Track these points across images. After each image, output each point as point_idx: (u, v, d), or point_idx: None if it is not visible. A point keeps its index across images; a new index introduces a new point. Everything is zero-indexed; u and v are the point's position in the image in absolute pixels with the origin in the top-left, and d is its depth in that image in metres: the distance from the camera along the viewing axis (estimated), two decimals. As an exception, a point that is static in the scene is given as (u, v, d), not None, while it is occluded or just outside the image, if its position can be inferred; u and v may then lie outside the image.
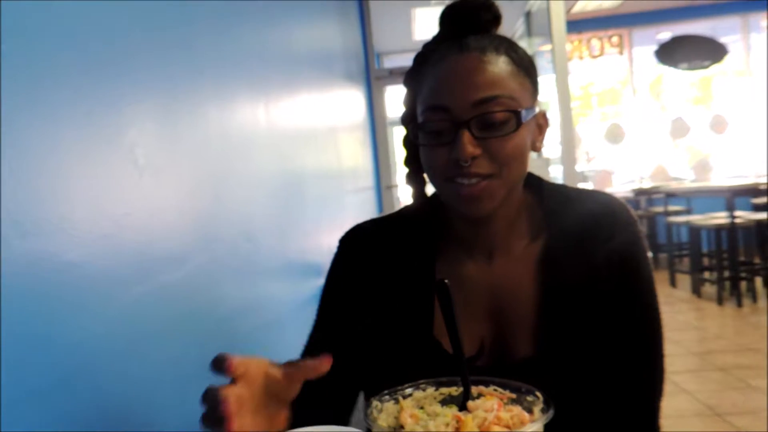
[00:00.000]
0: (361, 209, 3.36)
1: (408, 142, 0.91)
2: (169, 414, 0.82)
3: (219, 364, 0.57)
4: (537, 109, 0.83)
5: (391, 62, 6.95)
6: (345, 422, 0.91)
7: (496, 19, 0.84)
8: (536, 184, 0.92)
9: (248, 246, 1.24)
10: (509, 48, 0.81)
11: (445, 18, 0.85)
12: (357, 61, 4.31)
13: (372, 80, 4.86)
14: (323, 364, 0.59)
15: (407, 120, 0.88)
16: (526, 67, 0.82)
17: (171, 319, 0.83)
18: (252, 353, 1.15)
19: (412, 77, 0.86)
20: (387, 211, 4.98)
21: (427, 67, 0.82)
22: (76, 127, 0.63)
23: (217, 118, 1.09)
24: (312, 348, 0.92)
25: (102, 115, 0.68)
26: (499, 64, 0.78)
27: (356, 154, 3.45)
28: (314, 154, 2.08)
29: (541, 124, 0.86)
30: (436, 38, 0.86)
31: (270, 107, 1.48)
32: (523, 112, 0.77)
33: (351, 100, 3.50)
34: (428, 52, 0.84)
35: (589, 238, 0.85)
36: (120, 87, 0.73)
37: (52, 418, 0.57)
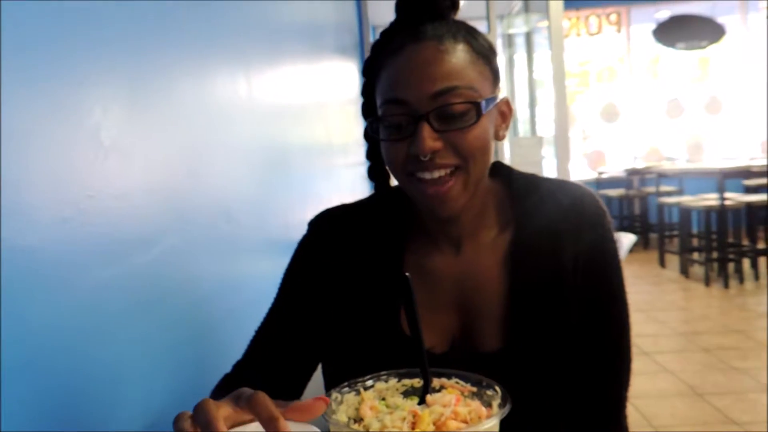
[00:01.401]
0: (350, 184, 3.34)
1: (369, 134, 0.88)
2: (136, 398, 0.81)
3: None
4: (498, 97, 0.81)
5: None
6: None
7: (453, 4, 0.81)
8: (505, 173, 0.90)
9: (227, 225, 1.23)
10: (467, 35, 0.79)
11: (401, 4, 0.82)
12: (351, 34, 4.24)
13: (366, 54, 4.81)
14: (319, 407, 0.56)
15: (366, 112, 0.86)
16: (485, 55, 0.80)
17: (140, 302, 0.83)
18: (228, 334, 1.15)
19: (369, 67, 0.84)
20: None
21: (383, 58, 0.80)
22: (34, 108, 0.62)
23: (192, 94, 1.06)
24: (269, 330, 0.91)
25: (64, 96, 0.66)
26: (457, 53, 0.76)
27: (348, 129, 3.42)
28: (301, 128, 2.06)
29: (504, 111, 0.84)
30: (393, 25, 0.82)
31: (252, 81, 1.45)
32: (484, 103, 0.76)
33: (343, 73, 3.45)
34: (385, 41, 0.81)
35: (558, 229, 0.84)
36: (83, 64, 0.70)
37: (10, 404, 0.57)
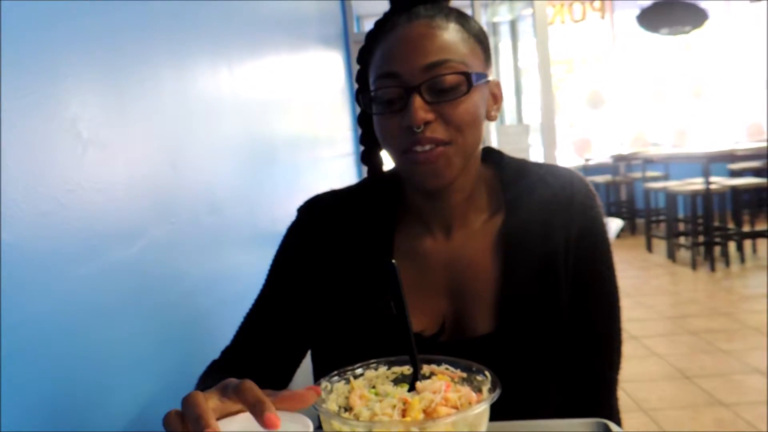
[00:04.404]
0: (338, 176, 3.33)
1: (363, 119, 0.89)
2: (119, 392, 0.80)
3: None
4: (490, 78, 0.82)
5: (371, 25, 6.82)
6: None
7: None
8: (496, 158, 0.91)
9: (212, 218, 1.22)
10: (459, 16, 0.81)
11: None
12: (335, 25, 4.21)
13: (351, 44, 4.76)
14: (310, 396, 0.56)
15: (360, 94, 0.86)
16: (476, 35, 0.81)
17: (123, 296, 0.82)
18: (216, 327, 1.14)
19: (364, 53, 0.85)
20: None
21: (377, 41, 0.81)
22: (11, 100, 0.60)
23: (173, 85, 1.05)
24: (257, 316, 0.90)
25: (40, 89, 0.65)
26: (449, 30, 0.78)
27: (334, 120, 3.40)
28: (286, 120, 2.04)
29: (495, 93, 0.85)
30: (387, 13, 0.84)
31: (234, 72, 1.44)
32: (474, 75, 0.77)
33: (328, 64, 3.43)
34: (379, 27, 0.83)
35: (548, 214, 0.85)
36: (59, 56, 0.69)
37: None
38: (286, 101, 2.06)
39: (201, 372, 0.88)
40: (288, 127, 2.07)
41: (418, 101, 0.74)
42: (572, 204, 0.85)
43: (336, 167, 3.29)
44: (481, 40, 0.82)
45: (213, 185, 1.24)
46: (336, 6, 4.43)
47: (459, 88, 0.76)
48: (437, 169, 0.77)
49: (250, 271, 1.40)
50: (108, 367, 0.78)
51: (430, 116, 0.75)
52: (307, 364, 0.94)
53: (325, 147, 2.97)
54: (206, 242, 1.18)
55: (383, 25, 0.82)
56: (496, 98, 0.85)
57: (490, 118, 0.83)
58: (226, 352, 0.90)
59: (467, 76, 0.76)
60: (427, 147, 0.76)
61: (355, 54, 4.06)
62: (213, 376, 0.84)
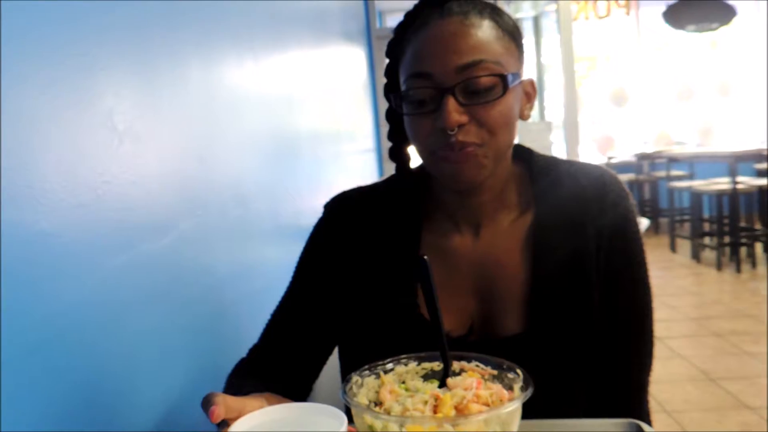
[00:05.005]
0: (360, 171, 3.33)
1: (391, 115, 0.88)
2: (149, 383, 0.81)
3: (205, 408, 0.55)
4: (524, 77, 0.80)
5: (394, 21, 6.81)
6: (306, 393, 0.90)
7: None
8: (526, 156, 0.89)
9: (239, 211, 1.23)
10: (493, 12, 0.78)
11: None
12: (357, 20, 4.21)
13: (373, 40, 4.76)
14: None
15: (390, 91, 0.84)
16: (511, 32, 0.79)
17: (154, 287, 0.83)
18: (241, 321, 1.15)
19: (393, 47, 0.83)
20: (387, 174, 4.94)
21: (408, 35, 0.79)
22: (50, 93, 0.61)
23: (200, 79, 1.05)
24: (284, 314, 0.90)
25: (78, 82, 0.66)
26: (483, 28, 0.75)
27: (356, 116, 3.40)
28: (309, 115, 2.05)
29: (528, 92, 0.83)
30: (417, 6, 0.81)
31: (259, 67, 1.44)
32: (510, 77, 0.75)
33: (350, 60, 3.43)
34: (409, 21, 0.81)
35: (579, 212, 0.83)
36: (96, 51, 0.70)
37: (26, 384, 0.56)
38: (309, 96, 2.07)
39: (227, 366, 0.88)
40: (311, 121, 2.07)
41: (452, 103, 0.72)
42: (604, 202, 0.83)
43: (357, 162, 3.30)
44: (515, 37, 0.79)
45: (239, 179, 1.25)
46: (359, 2, 4.43)
47: (494, 89, 0.74)
48: (468, 170, 0.75)
49: (273, 264, 1.41)
50: (137, 359, 0.79)
51: (464, 119, 0.73)
52: (334, 360, 0.94)
53: (347, 142, 2.98)
54: (232, 236, 1.19)
55: (414, 18, 0.80)
56: (529, 97, 0.83)
57: (523, 117, 0.81)
58: (254, 351, 0.91)
59: (503, 78, 0.74)
60: (459, 149, 0.74)
61: (377, 50, 4.06)
62: (241, 377, 0.85)
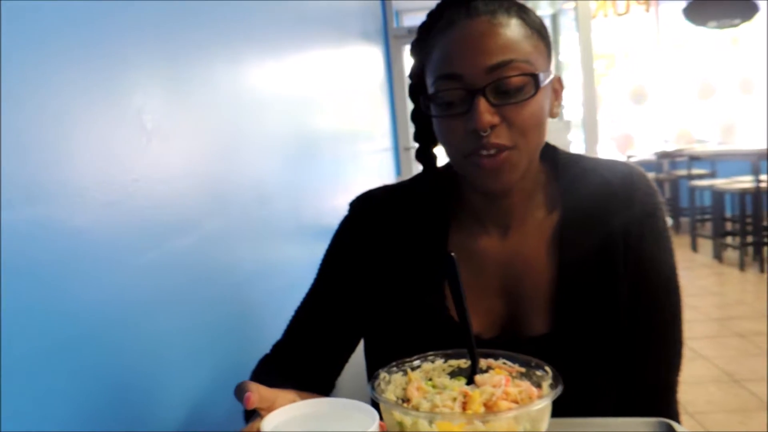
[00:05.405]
0: (378, 171, 3.34)
1: (417, 115, 0.87)
2: (174, 381, 0.82)
3: (239, 395, 0.56)
4: (552, 74, 0.79)
5: (410, 20, 6.80)
6: (329, 389, 0.91)
7: None
8: (551, 154, 0.88)
9: (262, 210, 1.24)
10: (520, 10, 0.77)
11: None
12: (374, 20, 4.22)
13: (390, 39, 4.76)
14: None
15: (416, 92, 0.83)
16: (538, 29, 0.78)
17: (182, 285, 0.83)
18: (264, 320, 1.16)
19: (418, 47, 0.82)
20: (405, 173, 4.94)
21: (434, 35, 0.78)
22: (81, 92, 0.62)
23: (226, 80, 1.06)
24: (308, 311, 0.90)
25: (107, 80, 0.67)
26: (512, 27, 0.74)
27: (373, 115, 3.41)
28: (328, 114, 2.05)
29: (556, 89, 0.82)
30: (440, 6, 0.80)
31: (281, 67, 1.45)
32: (541, 75, 0.74)
33: (368, 60, 3.43)
34: (434, 20, 0.80)
35: (606, 210, 0.82)
36: (124, 50, 0.71)
37: (59, 378, 0.57)
38: (328, 96, 2.07)
39: (251, 365, 0.89)
40: (330, 121, 2.08)
41: (483, 104, 0.71)
42: (632, 201, 0.82)
43: (375, 162, 3.30)
44: (543, 35, 0.78)
45: (262, 178, 1.26)
46: (377, 1, 4.43)
47: (525, 89, 0.73)
48: (501, 173, 0.74)
49: (295, 264, 1.42)
50: (163, 358, 0.79)
51: (495, 120, 0.72)
52: (359, 358, 0.94)
53: (365, 142, 2.98)
54: (256, 235, 1.20)
55: (438, 18, 0.79)
56: (557, 94, 0.82)
57: (552, 115, 0.80)
58: (278, 347, 0.91)
59: (534, 77, 0.73)
60: (492, 151, 0.73)
61: (394, 49, 4.05)
62: (265, 373, 0.85)
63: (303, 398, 0.57)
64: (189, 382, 0.86)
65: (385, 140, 3.98)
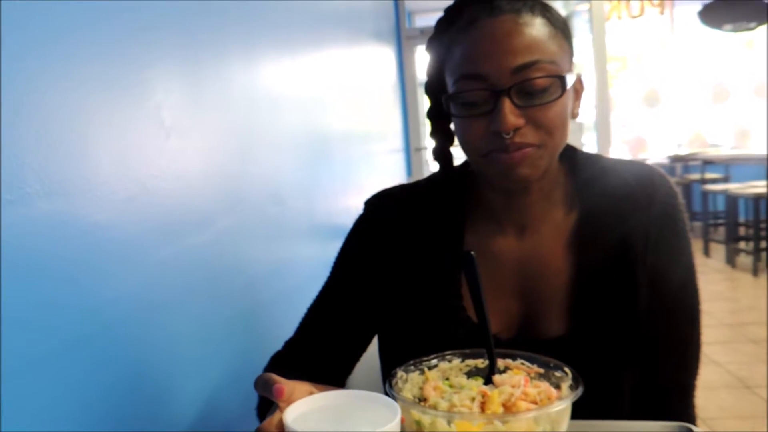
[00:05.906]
0: (389, 171, 3.33)
1: (434, 113, 0.85)
2: (190, 376, 0.82)
3: (267, 389, 0.55)
4: (575, 74, 0.78)
5: (423, 21, 6.80)
6: (340, 387, 0.90)
7: None
8: (570, 153, 0.86)
9: (276, 208, 1.24)
10: (544, 9, 0.75)
11: None
12: (387, 20, 4.22)
13: (403, 40, 4.76)
14: None
15: (434, 90, 0.82)
16: (562, 29, 0.76)
17: (196, 282, 0.84)
18: (276, 318, 1.16)
19: (436, 44, 0.80)
20: (416, 174, 4.93)
21: (453, 33, 0.76)
22: (101, 88, 0.62)
23: (242, 79, 1.07)
24: (322, 308, 0.89)
25: (127, 77, 0.67)
26: (537, 27, 0.72)
27: (385, 116, 3.40)
28: (341, 114, 2.05)
29: (577, 89, 0.80)
30: (459, 2, 0.78)
31: (296, 66, 1.45)
32: (567, 77, 0.72)
33: (380, 60, 3.43)
34: (453, 16, 0.78)
35: (626, 210, 0.80)
36: (144, 48, 0.71)
37: (79, 371, 0.58)
38: (342, 96, 2.07)
39: (263, 362, 0.89)
40: (343, 121, 2.08)
41: (508, 106, 0.70)
42: (652, 201, 0.80)
43: (387, 162, 3.30)
44: (566, 35, 0.77)
45: (277, 177, 1.26)
46: (389, 2, 4.43)
47: (550, 90, 0.71)
48: (524, 168, 0.73)
49: (308, 262, 1.42)
50: (178, 353, 0.80)
51: (520, 121, 0.71)
52: (372, 356, 0.94)
53: (377, 142, 2.98)
54: (269, 233, 1.20)
55: (457, 14, 0.77)
56: (578, 94, 0.80)
57: (573, 116, 0.79)
58: (290, 344, 0.91)
59: (561, 78, 0.72)
60: (515, 149, 0.72)
61: (406, 49, 4.03)
62: (277, 369, 0.85)
63: (319, 390, 0.56)
64: (202, 377, 0.86)
65: (397, 141, 3.98)
